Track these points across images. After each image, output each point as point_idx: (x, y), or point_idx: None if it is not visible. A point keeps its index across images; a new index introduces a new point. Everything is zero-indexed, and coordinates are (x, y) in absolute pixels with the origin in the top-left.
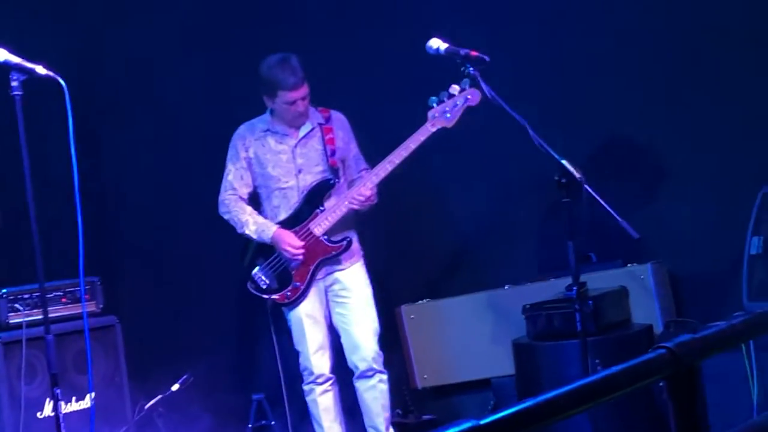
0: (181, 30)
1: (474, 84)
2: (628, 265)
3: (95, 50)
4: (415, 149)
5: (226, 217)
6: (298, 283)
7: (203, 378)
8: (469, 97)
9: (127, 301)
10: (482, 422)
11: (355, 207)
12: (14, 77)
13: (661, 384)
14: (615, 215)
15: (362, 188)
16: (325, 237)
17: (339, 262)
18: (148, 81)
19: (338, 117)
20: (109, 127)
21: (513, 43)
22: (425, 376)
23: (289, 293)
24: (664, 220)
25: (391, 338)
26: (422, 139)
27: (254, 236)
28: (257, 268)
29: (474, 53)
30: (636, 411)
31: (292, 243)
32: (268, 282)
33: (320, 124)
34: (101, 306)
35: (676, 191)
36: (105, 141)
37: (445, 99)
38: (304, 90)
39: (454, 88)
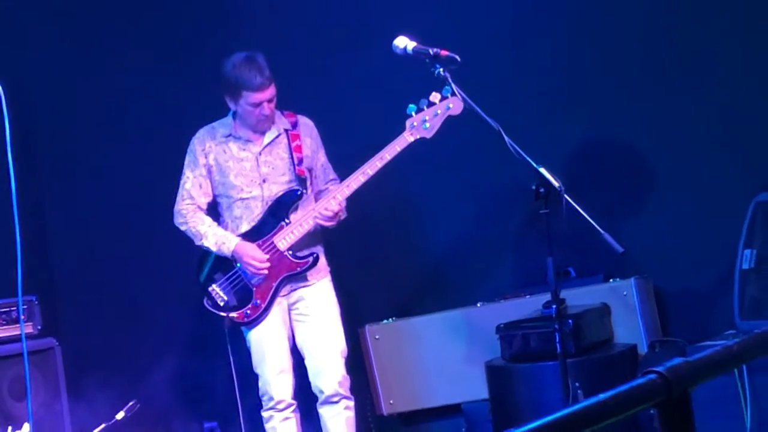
0: (130, 29)
1: (454, 92)
2: (611, 280)
3: (31, 55)
4: (391, 160)
5: (182, 228)
6: (258, 301)
7: (151, 404)
8: (450, 106)
9: (67, 322)
10: None
11: (322, 223)
12: None
13: (651, 411)
14: (597, 228)
15: (330, 202)
16: (290, 252)
17: (304, 279)
18: (90, 85)
19: (306, 123)
20: (47, 134)
21: (487, 43)
22: (391, 402)
23: (248, 311)
24: (649, 232)
25: (354, 360)
26: (399, 149)
27: (213, 249)
28: (215, 284)
29: (444, 52)
30: None
31: (256, 256)
32: (226, 299)
33: (287, 130)
34: (39, 327)
35: (662, 201)
36: (42, 147)
37: (425, 107)
38: (270, 91)
39: (435, 96)
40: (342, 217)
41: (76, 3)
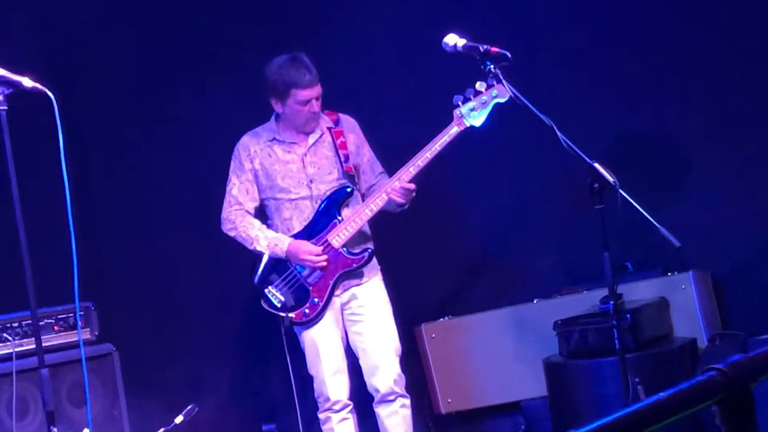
0: (175, 43)
1: (499, 79)
2: (668, 273)
3: (85, 63)
4: (440, 152)
5: (232, 234)
6: (316, 300)
7: (209, 408)
8: (496, 93)
9: (124, 327)
10: None
11: (396, 199)
12: None
13: (712, 409)
14: (654, 222)
15: (401, 180)
16: (345, 249)
17: (359, 276)
18: (142, 96)
19: (347, 119)
20: (100, 141)
21: (537, 39)
22: (449, 401)
23: (307, 310)
24: (706, 224)
25: (410, 360)
26: (448, 140)
27: (266, 251)
28: (270, 285)
29: (494, 49)
30: None
31: (311, 251)
32: (283, 299)
33: (329, 129)
34: (96, 333)
35: (719, 191)
36: (97, 158)
37: (471, 97)
38: (318, 89)
39: (481, 85)
40: (413, 195)
41: (129, 14)
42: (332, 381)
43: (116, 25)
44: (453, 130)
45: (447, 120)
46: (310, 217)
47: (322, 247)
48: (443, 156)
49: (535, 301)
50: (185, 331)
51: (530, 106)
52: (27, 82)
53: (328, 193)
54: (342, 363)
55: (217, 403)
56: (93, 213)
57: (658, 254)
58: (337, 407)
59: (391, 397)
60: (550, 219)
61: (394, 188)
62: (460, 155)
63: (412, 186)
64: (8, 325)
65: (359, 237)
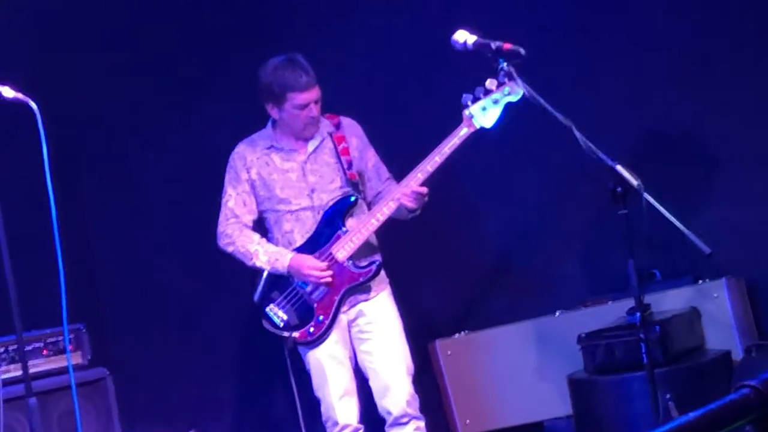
0: (169, 48)
1: (512, 77)
2: (699, 281)
3: (71, 69)
4: (450, 155)
5: (229, 249)
6: (321, 317)
7: None
8: (508, 90)
9: (118, 350)
10: None
11: (407, 204)
12: None
13: (747, 429)
14: (682, 228)
15: (411, 185)
16: (350, 262)
17: (367, 290)
18: (135, 107)
19: (349, 123)
20: (91, 157)
21: (554, 33)
22: (467, 422)
23: (311, 329)
24: (738, 227)
25: (425, 378)
26: (458, 142)
27: (267, 267)
28: (272, 303)
29: (507, 46)
30: None
31: (314, 266)
32: (285, 318)
33: (330, 134)
34: (89, 357)
35: (751, 192)
36: (87, 172)
37: (482, 96)
38: (316, 91)
39: (491, 83)
40: (425, 200)
41: (114, 23)
42: (340, 404)
43: (108, 33)
44: (462, 132)
45: (457, 121)
46: (313, 229)
47: (326, 262)
48: (455, 159)
49: (557, 314)
50: (184, 354)
51: (546, 105)
52: (7, 92)
53: (330, 203)
54: (350, 384)
55: (219, 429)
56: (84, 229)
57: (688, 261)
58: None
59: (405, 420)
60: (571, 225)
61: (404, 193)
62: (472, 158)
63: (425, 190)
64: None
65: (366, 249)
